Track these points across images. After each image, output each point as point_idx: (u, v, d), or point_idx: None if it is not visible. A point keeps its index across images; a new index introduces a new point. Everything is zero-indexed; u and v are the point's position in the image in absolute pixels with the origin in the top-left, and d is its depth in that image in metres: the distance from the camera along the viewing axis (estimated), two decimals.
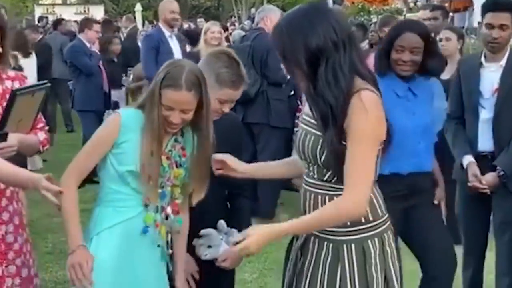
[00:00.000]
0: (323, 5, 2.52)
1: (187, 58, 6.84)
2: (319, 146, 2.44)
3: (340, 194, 2.39)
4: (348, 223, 2.45)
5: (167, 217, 2.72)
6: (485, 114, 3.83)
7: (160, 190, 2.68)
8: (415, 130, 3.54)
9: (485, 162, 3.81)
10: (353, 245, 2.48)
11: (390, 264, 2.53)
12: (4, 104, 2.92)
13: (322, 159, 2.44)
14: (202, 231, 2.91)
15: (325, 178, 2.48)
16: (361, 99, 2.34)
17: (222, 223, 2.96)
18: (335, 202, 2.40)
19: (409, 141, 3.50)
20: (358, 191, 2.33)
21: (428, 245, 3.62)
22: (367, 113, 2.32)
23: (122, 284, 2.63)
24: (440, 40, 5.45)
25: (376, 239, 2.50)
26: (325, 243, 2.52)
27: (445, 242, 3.68)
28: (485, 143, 3.83)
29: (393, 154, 3.39)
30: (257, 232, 2.33)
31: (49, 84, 3.10)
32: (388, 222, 2.57)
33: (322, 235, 2.53)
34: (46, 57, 9.71)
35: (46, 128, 3.21)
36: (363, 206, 2.36)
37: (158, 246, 2.73)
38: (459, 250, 4.14)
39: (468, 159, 3.81)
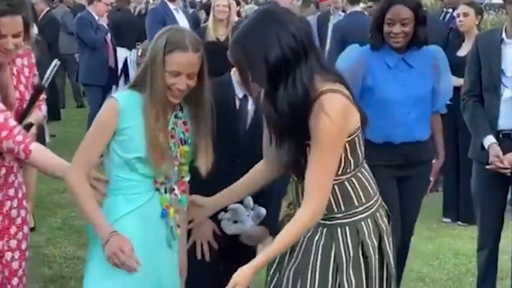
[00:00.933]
0: (274, 9, 2.41)
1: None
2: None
3: None
4: (343, 208, 2.47)
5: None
6: (508, 92, 3.73)
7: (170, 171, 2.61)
8: (405, 101, 3.66)
9: (505, 141, 3.73)
10: (347, 228, 2.48)
11: (386, 240, 2.54)
12: (20, 86, 2.92)
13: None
14: (229, 206, 2.86)
15: None
16: (321, 104, 2.30)
17: (249, 199, 2.93)
18: (294, 219, 2.41)
19: (398, 111, 3.66)
20: (316, 204, 2.38)
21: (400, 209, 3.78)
22: (327, 119, 2.29)
23: (148, 272, 2.55)
24: (458, 15, 5.34)
25: (369, 220, 2.51)
26: (319, 228, 2.50)
27: (415, 211, 3.91)
28: (506, 121, 3.75)
29: (383, 124, 3.67)
30: (242, 273, 2.35)
31: (59, 63, 3.08)
32: (380, 200, 2.57)
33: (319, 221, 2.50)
34: (54, 32, 9.60)
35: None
36: (318, 217, 2.41)
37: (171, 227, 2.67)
38: (474, 230, 4.10)
39: (489, 140, 3.73)
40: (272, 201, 3.01)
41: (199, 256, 2.92)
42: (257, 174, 2.68)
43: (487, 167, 3.72)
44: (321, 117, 2.29)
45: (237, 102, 3.00)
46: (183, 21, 6.88)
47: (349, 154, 2.42)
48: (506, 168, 3.66)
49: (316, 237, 2.50)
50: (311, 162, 2.35)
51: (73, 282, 4.37)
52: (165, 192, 2.61)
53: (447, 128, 5.86)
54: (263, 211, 2.97)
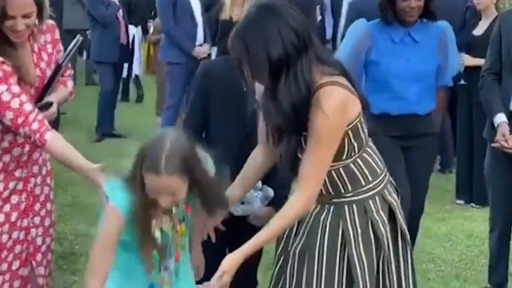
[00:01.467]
0: (273, 3, 2.34)
1: (204, 16, 6.89)
2: None
3: (336, 169, 2.43)
4: (350, 188, 2.46)
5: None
6: None
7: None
8: (407, 75, 3.75)
9: None
10: (354, 206, 2.48)
11: (397, 213, 2.53)
12: (41, 64, 2.91)
13: None
14: None
15: None
16: (319, 99, 2.28)
17: None
18: (285, 208, 2.42)
19: (398, 85, 3.76)
20: (308, 195, 2.39)
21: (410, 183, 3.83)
22: (324, 116, 2.27)
23: None
24: None
25: (376, 197, 2.50)
26: (326, 206, 2.50)
27: (422, 182, 3.94)
28: None
29: (382, 96, 3.80)
30: (230, 261, 2.37)
31: (81, 39, 3.06)
32: (387, 177, 2.56)
33: (325, 200, 2.50)
34: (58, 7, 9.51)
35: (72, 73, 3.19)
36: (310, 207, 2.44)
37: None
38: (487, 212, 4.06)
39: (500, 118, 3.68)
40: (280, 182, 2.97)
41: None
42: (258, 162, 2.64)
43: (492, 144, 3.69)
44: (318, 114, 2.27)
45: None
46: (194, 1, 6.81)
47: (352, 139, 2.41)
48: (510, 149, 3.61)
49: (323, 215, 2.49)
50: (307, 154, 2.35)
51: (84, 258, 4.36)
52: (159, 270, 2.46)
53: (462, 108, 5.85)
54: (271, 192, 2.94)
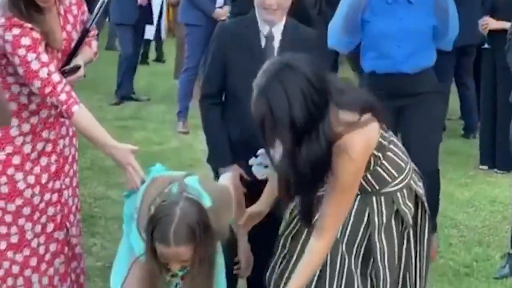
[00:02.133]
0: (292, 60, 2.24)
1: None
2: None
3: (364, 176, 2.42)
4: (377, 188, 2.47)
5: None
6: None
7: None
8: (397, 35, 3.76)
9: None
10: (382, 197, 2.49)
11: (425, 202, 2.56)
12: (67, 27, 2.87)
13: None
14: (260, 151, 2.79)
15: None
16: (344, 147, 2.25)
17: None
18: (310, 252, 2.41)
19: (386, 44, 3.79)
20: (330, 236, 2.39)
21: (410, 139, 3.79)
22: (350, 161, 2.27)
23: None
24: None
25: (404, 190, 2.52)
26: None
27: (426, 139, 3.87)
28: None
29: (371, 55, 3.87)
30: None
31: (106, 0, 3.01)
32: (411, 166, 2.56)
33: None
34: None
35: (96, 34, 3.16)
36: (331, 246, 2.43)
37: None
38: (510, 178, 3.99)
39: None
40: None
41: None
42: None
43: None
44: (345, 162, 2.27)
45: (263, 40, 2.96)
46: None
47: (375, 152, 2.40)
48: None
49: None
50: (329, 202, 2.35)
51: (103, 221, 4.37)
52: None
53: (486, 72, 5.72)
54: None
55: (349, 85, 2.39)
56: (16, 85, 2.80)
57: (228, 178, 2.70)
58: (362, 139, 2.29)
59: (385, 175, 2.46)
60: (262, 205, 2.74)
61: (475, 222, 4.59)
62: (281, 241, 2.67)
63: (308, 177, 2.26)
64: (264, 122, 2.20)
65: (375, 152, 2.38)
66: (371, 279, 2.52)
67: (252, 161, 2.86)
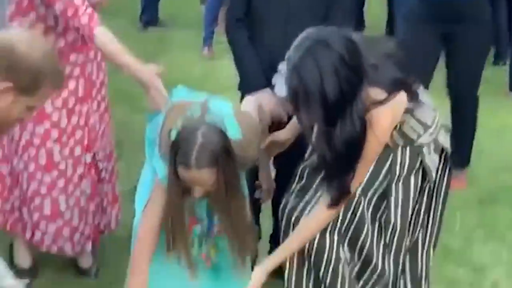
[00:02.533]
0: (326, 35, 2.18)
1: None
2: None
3: None
4: (402, 143, 2.44)
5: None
6: None
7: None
8: None
9: None
10: (408, 148, 2.47)
11: (448, 154, 2.56)
12: None
13: None
14: (281, 66, 2.70)
15: None
16: (370, 123, 2.26)
17: None
18: (314, 215, 2.43)
19: None
20: (334, 211, 2.41)
21: (454, 66, 3.89)
22: (375, 137, 2.28)
23: None
24: None
25: (431, 144, 2.50)
26: None
27: (470, 66, 3.89)
28: None
29: None
30: (260, 273, 2.45)
31: None
32: (438, 120, 2.52)
33: None
34: None
35: None
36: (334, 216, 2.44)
37: None
38: None
39: None
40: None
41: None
42: None
43: None
44: (370, 137, 2.27)
45: None
46: None
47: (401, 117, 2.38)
48: None
49: None
50: None
51: (126, 145, 4.38)
52: (199, 245, 2.56)
53: None
54: None
55: (383, 59, 2.32)
56: (42, 6, 2.79)
57: (253, 102, 2.66)
58: (388, 115, 2.29)
59: (410, 132, 2.44)
60: (287, 133, 2.71)
61: (502, 149, 4.55)
62: (299, 170, 2.64)
63: (343, 157, 2.26)
64: (297, 98, 2.17)
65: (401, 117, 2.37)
66: (380, 223, 2.52)
67: (274, 78, 2.77)
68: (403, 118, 2.37)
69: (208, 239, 2.56)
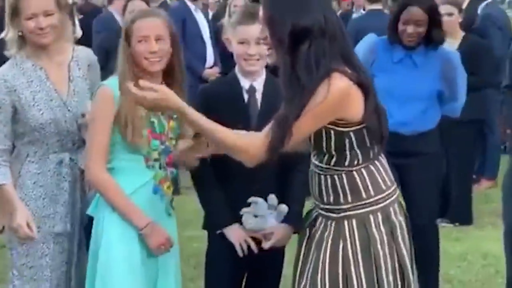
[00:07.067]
0: None
1: (213, 38, 6.82)
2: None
3: (339, 174, 2.47)
4: (349, 199, 2.47)
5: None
6: None
7: (162, 146, 2.78)
8: (397, 95, 3.82)
9: None
10: (354, 221, 2.48)
11: (399, 237, 2.51)
12: None
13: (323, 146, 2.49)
14: (250, 199, 2.85)
15: (324, 162, 2.52)
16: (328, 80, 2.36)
17: (273, 197, 2.89)
18: (242, 138, 2.46)
19: (386, 102, 3.56)
20: (261, 150, 2.40)
21: (409, 197, 3.88)
22: (325, 90, 2.35)
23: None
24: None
25: (379, 214, 2.49)
26: (329, 222, 2.53)
27: (419, 206, 3.88)
28: None
29: None
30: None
31: None
32: (395, 195, 2.55)
33: (326, 213, 2.54)
34: None
35: None
36: (255, 161, 2.44)
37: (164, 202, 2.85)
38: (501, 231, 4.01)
39: None
40: (295, 196, 2.95)
41: (240, 254, 2.90)
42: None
43: None
44: (321, 87, 2.35)
45: (245, 95, 3.00)
46: (202, 22, 6.82)
47: (355, 146, 2.45)
48: None
49: (326, 233, 2.51)
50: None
51: None
52: (160, 168, 2.79)
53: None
54: (285, 209, 2.92)
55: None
56: None
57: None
58: (344, 82, 2.37)
59: (360, 185, 2.47)
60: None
61: (468, 276, 4.61)
62: None
63: (295, 100, 2.35)
64: (269, 20, 2.41)
65: (352, 138, 2.44)
66: None
67: (243, 210, 2.87)
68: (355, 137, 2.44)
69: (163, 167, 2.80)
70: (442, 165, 4.01)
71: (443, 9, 5.31)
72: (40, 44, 2.90)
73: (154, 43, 2.70)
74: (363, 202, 2.48)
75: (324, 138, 2.45)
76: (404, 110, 3.81)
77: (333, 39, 2.38)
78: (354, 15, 7.65)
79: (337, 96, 2.36)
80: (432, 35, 3.83)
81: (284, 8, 2.38)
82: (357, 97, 2.41)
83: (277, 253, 2.97)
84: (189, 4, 6.81)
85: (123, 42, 2.74)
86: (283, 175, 2.97)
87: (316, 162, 2.55)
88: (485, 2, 6.56)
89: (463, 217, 5.61)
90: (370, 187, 2.48)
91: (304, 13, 2.37)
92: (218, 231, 2.95)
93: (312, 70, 2.35)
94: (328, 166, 2.50)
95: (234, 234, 2.90)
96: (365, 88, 2.43)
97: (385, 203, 2.50)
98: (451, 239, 5.22)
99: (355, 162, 2.46)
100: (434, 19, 3.83)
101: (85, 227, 3.02)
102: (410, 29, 3.80)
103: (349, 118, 2.41)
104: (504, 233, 3.90)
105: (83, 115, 2.92)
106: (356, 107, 2.42)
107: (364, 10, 7.55)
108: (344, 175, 2.47)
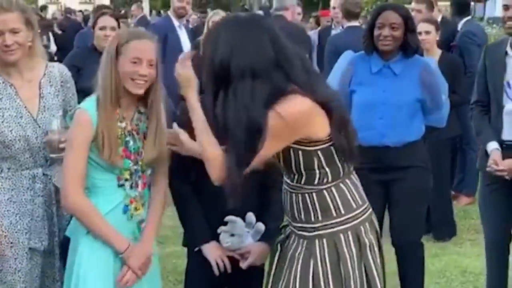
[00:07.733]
0: (262, 19, 2.46)
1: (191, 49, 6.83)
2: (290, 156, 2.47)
3: (309, 193, 2.47)
4: (320, 218, 2.48)
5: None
6: (511, 105, 3.67)
7: (134, 167, 2.76)
8: (379, 106, 3.78)
9: (509, 151, 3.65)
10: (324, 240, 2.48)
11: (369, 256, 2.51)
12: None
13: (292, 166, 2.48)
14: (227, 218, 2.84)
15: (294, 181, 2.53)
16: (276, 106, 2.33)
17: (250, 215, 2.89)
18: (221, 154, 2.42)
19: (368, 115, 3.77)
20: (222, 172, 2.41)
21: (395, 213, 3.90)
22: (276, 113, 2.32)
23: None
24: (419, 33, 5.21)
25: (349, 232, 2.49)
26: (301, 240, 2.53)
27: (410, 212, 3.87)
28: (509, 133, 3.68)
29: (356, 126, 3.65)
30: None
31: None
32: (367, 214, 2.56)
33: (299, 231, 2.54)
34: None
35: None
36: (221, 180, 2.44)
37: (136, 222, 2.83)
38: (481, 247, 4.01)
39: (492, 146, 3.69)
40: (273, 214, 2.94)
41: (216, 272, 2.90)
42: None
43: (487, 169, 3.66)
44: (271, 115, 2.31)
45: None
46: (184, 39, 6.79)
47: (324, 164, 2.44)
48: (503, 171, 3.58)
49: (298, 251, 2.51)
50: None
51: None
52: (131, 187, 2.77)
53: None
54: (262, 227, 2.91)
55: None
56: None
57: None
58: (301, 104, 2.35)
59: (330, 204, 2.47)
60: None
61: None
62: None
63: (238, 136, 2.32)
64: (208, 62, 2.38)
65: (321, 156, 2.42)
66: None
67: (220, 229, 2.87)
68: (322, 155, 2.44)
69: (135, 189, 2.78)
70: (430, 179, 3.96)
71: (421, 27, 5.36)
72: (7, 61, 2.92)
73: (145, 66, 2.68)
74: (334, 221, 2.48)
75: (293, 157, 2.45)
76: (388, 120, 3.77)
77: (286, 68, 2.36)
78: (333, 32, 7.66)
79: (294, 117, 2.34)
80: (408, 41, 3.76)
81: (222, 47, 2.36)
82: (319, 115, 2.40)
83: (256, 270, 2.96)
84: (174, 21, 6.76)
85: (111, 59, 2.69)
86: (261, 193, 2.97)
87: (288, 181, 2.55)
88: (465, 19, 6.60)
89: (448, 232, 5.57)
90: (340, 206, 2.48)
91: (241, 53, 2.33)
92: (196, 249, 2.94)
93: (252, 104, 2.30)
94: (298, 185, 2.50)
95: (211, 251, 2.91)
96: (327, 106, 2.41)
97: (355, 221, 2.50)
98: (430, 255, 5.19)
99: (325, 180, 2.46)
100: (408, 25, 3.77)
101: (61, 243, 2.99)
102: (385, 31, 3.74)
103: (313, 137, 2.40)
104: (485, 247, 3.92)
105: (46, 133, 2.91)
106: (319, 125, 2.40)
107: (343, 27, 7.58)
108: (314, 194, 2.47)
